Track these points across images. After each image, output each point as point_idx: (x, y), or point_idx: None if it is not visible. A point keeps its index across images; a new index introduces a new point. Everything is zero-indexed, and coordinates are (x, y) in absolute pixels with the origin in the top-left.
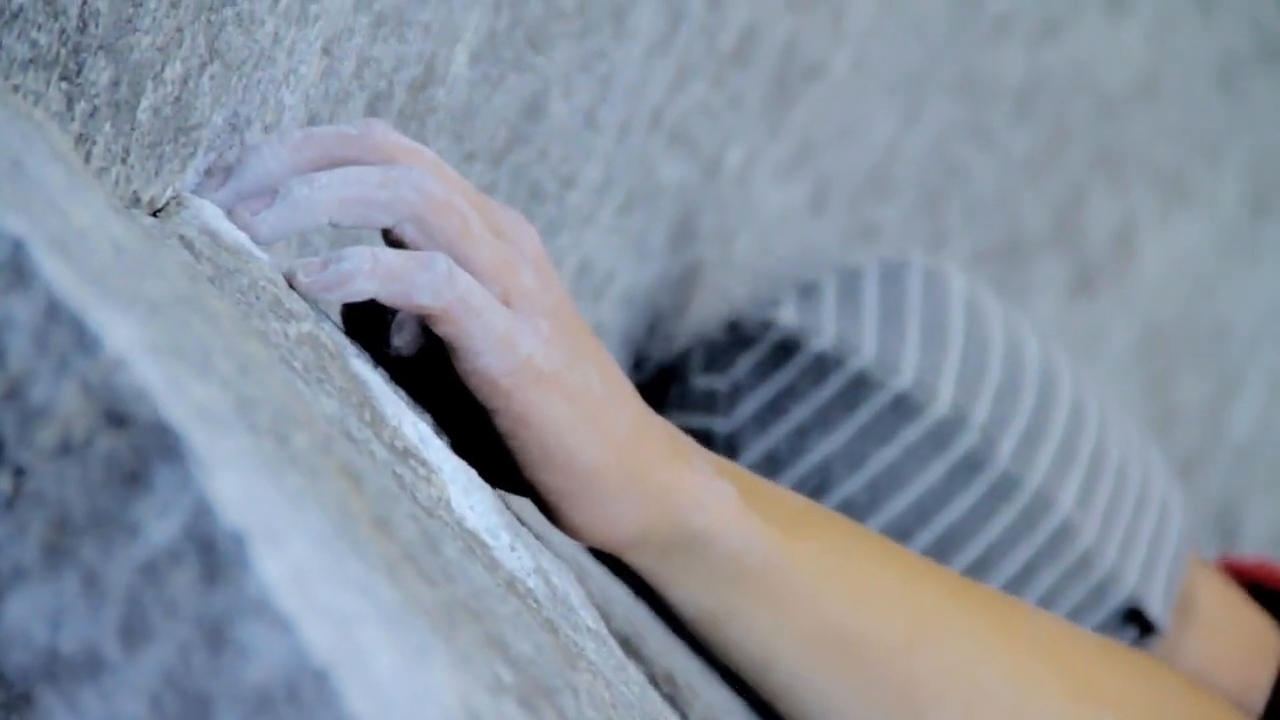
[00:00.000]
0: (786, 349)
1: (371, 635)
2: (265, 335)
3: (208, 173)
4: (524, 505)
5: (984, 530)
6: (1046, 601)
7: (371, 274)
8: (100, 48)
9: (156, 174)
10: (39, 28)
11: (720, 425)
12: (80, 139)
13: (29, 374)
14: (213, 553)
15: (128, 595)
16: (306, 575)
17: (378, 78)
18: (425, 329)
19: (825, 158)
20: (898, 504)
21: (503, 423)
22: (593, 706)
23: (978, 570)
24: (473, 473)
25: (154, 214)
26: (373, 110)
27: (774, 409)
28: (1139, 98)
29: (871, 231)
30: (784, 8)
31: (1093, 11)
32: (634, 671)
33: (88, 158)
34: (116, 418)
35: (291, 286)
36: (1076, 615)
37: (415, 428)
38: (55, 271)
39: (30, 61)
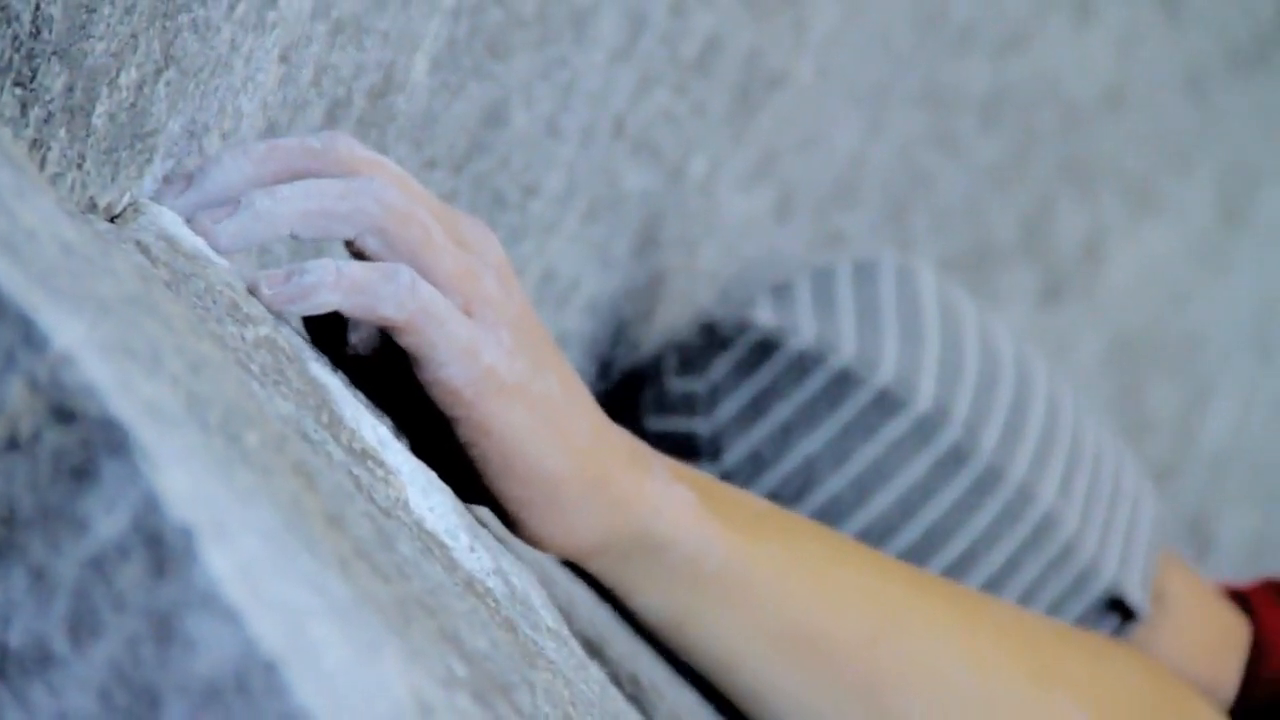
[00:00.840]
0: (765, 348)
1: (322, 628)
2: (221, 339)
3: (166, 180)
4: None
5: (969, 524)
6: (1030, 593)
7: (335, 286)
8: (54, 53)
9: (113, 180)
10: None
11: (702, 427)
12: (35, 144)
13: None
14: (161, 547)
15: (76, 589)
16: (256, 569)
17: (336, 85)
18: (386, 337)
19: (789, 166)
20: (883, 500)
21: (464, 432)
22: (550, 703)
23: (963, 564)
24: (433, 475)
25: (111, 219)
26: (331, 118)
27: (755, 409)
28: (1107, 107)
29: (837, 239)
30: (747, 16)
31: (1059, 21)
32: (595, 671)
33: (43, 163)
34: (64, 414)
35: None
36: (1059, 605)
37: (374, 430)
38: (1, 269)
39: None
